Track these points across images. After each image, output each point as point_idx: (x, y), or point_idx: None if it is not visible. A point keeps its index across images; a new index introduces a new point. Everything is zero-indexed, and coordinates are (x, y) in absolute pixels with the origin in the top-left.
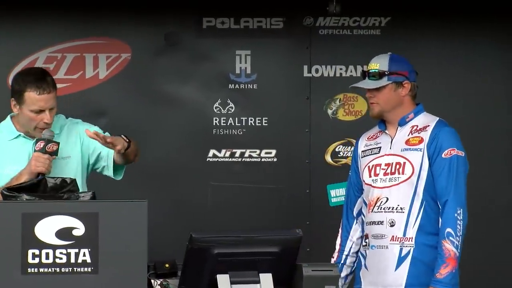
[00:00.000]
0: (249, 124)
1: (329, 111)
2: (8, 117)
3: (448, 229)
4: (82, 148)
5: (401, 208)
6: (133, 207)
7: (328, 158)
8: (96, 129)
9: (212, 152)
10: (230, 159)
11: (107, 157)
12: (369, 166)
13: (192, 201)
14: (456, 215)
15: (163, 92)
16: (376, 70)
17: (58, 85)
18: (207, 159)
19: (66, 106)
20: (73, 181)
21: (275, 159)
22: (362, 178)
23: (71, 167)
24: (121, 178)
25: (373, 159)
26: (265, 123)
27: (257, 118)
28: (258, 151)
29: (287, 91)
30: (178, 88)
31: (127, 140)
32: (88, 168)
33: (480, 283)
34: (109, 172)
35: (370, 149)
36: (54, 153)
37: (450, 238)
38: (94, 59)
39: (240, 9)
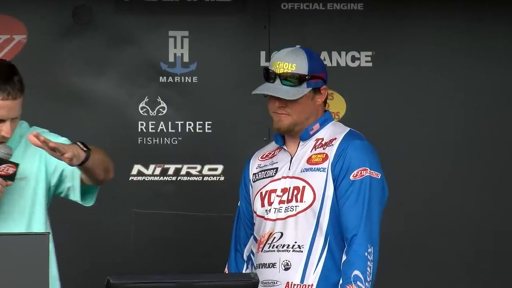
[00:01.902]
0: (187, 130)
1: None
2: None
3: (356, 272)
4: (46, 166)
5: (299, 247)
6: (32, 241)
7: None
8: (63, 141)
9: (136, 168)
10: (161, 178)
11: (73, 176)
12: (261, 193)
13: (110, 234)
14: (366, 254)
15: (70, 86)
16: (296, 74)
17: None
18: (130, 178)
19: None
20: None
21: (221, 178)
22: (253, 208)
23: (26, 193)
24: (91, 205)
25: (267, 184)
26: (208, 129)
27: (197, 123)
28: (199, 167)
29: (238, 86)
30: (91, 82)
31: (85, 149)
32: (50, 192)
33: None
34: (75, 195)
35: (264, 171)
36: (10, 177)
37: (358, 283)
38: None
39: None
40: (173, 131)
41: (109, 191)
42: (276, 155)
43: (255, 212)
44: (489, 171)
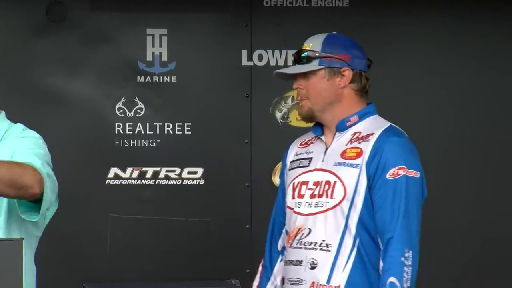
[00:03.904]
0: (166, 132)
1: (278, 114)
2: None
3: (391, 279)
4: None
5: (326, 245)
6: (5, 247)
7: (276, 179)
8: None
9: (113, 171)
10: (139, 181)
11: None
12: (294, 183)
13: (86, 239)
14: (402, 259)
15: (43, 86)
16: (305, 52)
17: None
18: (107, 181)
19: None
20: None
21: (201, 181)
22: (285, 198)
23: None
24: (37, 219)
25: (300, 174)
26: (187, 131)
27: (176, 124)
28: (178, 170)
29: (218, 86)
30: (66, 81)
31: None
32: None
33: None
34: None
35: (299, 160)
36: None
37: None
38: None
39: None
40: (151, 132)
41: (85, 195)
42: (313, 143)
43: (286, 203)
44: (480, 173)
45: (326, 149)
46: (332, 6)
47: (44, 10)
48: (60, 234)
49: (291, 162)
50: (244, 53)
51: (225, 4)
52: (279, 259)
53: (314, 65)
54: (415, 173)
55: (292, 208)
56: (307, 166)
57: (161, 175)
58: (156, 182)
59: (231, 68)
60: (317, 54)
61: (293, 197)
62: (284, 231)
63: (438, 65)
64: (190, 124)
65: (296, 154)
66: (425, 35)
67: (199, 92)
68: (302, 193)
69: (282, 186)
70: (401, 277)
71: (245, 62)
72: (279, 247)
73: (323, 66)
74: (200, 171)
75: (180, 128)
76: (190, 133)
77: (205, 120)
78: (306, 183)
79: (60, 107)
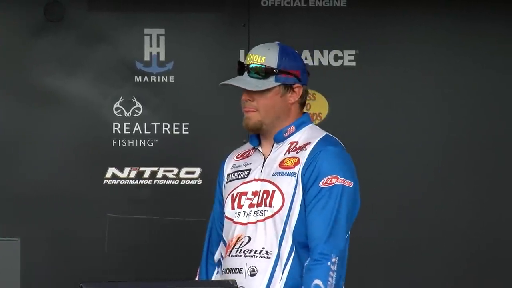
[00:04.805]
0: (163, 132)
1: None
2: None
3: (317, 281)
4: None
5: (266, 253)
6: (2, 247)
7: None
8: None
9: (111, 171)
10: (137, 181)
11: None
12: (233, 195)
13: (84, 239)
14: (329, 263)
15: (41, 86)
16: (262, 66)
17: None
18: (104, 181)
19: None
20: None
21: (199, 181)
22: (224, 210)
23: None
24: None
25: (239, 185)
26: (185, 130)
27: (174, 124)
28: (176, 170)
29: (216, 86)
30: (63, 81)
31: None
32: None
33: None
34: None
35: (237, 172)
36: None
37: None
38: None
39: None
40: (149, 132)
41: (83, 195)
42: (250, 155)
43: (225, 214)
44: (475, 174)
45: (265, 160)
46: (329, 6)
47: (42, 10)
48: (58, 233)
49: (229, 174)
50: (242, 53)
51: (222, 4)
52: (215, 271)
53: (271, 82)
54: (349, 183)
55: (231, 219)
56: (245, 177)
57: (159, 175)
58: (154, 182)
59: (228, 68)
60: (275, 70)
61: (232, 208)
62: (221, 242)
63: (435, 65)
64: (187, 124)
65: (234, 167)
66: (422, 34)
67: (196, 92)
68: (241, 203)
69: (219, 197)
70: (326, 280)
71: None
72: (216, 260)
73: (279, 83)
74: (197, 171)
75: (177, 128)
76: (187, 133)
77: (203, 120)
78: (245, 193)
79: (58, 106)
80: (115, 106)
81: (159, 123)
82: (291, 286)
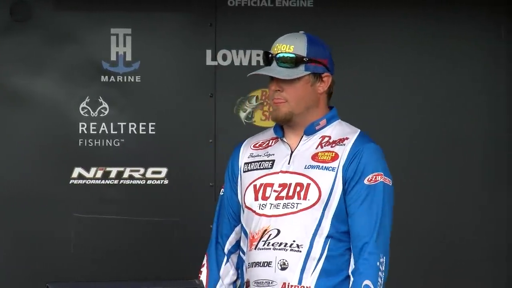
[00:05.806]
0: (130, 132)
1: (242, 114)
2: None
3: (366, 282)
4: None
5: (297, 246)
6: None
7: None
8: None
9: (77, 171)
10: (103, 181)
11: None
12: (255, 185)
13: (49, 239)
14: (378, 264)
15: (7, 86)
16: (292, 55)
17: None
18: (70, 181)
19: None
20: None
21: (166, 181)
22: (243, 200)
23: None
24: None
25: (262, 176)
26: (152, 130)
27: (140, 124)
28: (142, 170)
29: (182, 86)
30: (29, 81)
31: None
32: None
33: None
34: None
35: (258, 162)
36: None
37: None
38: None
39: None
40: (115, 132)
41: (49, 195)
42: (271, 145)
43: (245, 204)
44: (441, 175)
45: (292, 151)
46: (296, 6)
47: (8, 10)
48: (23, 234)
49: (246, 163)
50: (209, 52)
51: (189, 3)
52: (225, 261)
53: (301, 70)
54: (389, 181)
55: (253, 210)
56: (269, 168)
57: (125, 175)
58: (120, 182)
59: (195, 67)
60: (304, 59)
61: (256, 199)
62: (239, 232)
63: (402, 65)
64: (154, 124)
65: (252, 156)
66: (389, 35)
67: (163, 92)
68: (267, 195)
69: (230, 187)
70: (376, 281)
71: (209, 61)
72: (226, 250)
73: (309, 72)
74: (164, 171)
75: (144, 128)
76: (154, 133)
77: (169, 120)
78: (270, 185)
79: (24, 106)
80: (81, 106)
81: (125, 123)
82: (324, 280)
